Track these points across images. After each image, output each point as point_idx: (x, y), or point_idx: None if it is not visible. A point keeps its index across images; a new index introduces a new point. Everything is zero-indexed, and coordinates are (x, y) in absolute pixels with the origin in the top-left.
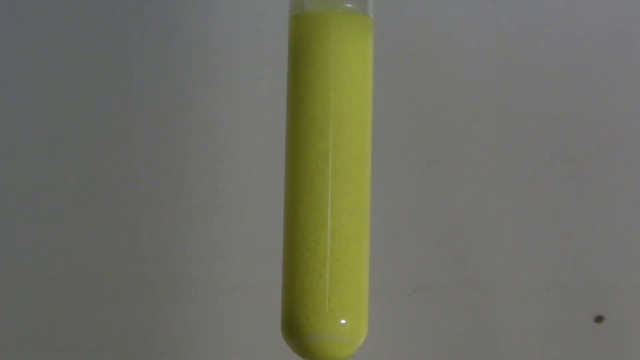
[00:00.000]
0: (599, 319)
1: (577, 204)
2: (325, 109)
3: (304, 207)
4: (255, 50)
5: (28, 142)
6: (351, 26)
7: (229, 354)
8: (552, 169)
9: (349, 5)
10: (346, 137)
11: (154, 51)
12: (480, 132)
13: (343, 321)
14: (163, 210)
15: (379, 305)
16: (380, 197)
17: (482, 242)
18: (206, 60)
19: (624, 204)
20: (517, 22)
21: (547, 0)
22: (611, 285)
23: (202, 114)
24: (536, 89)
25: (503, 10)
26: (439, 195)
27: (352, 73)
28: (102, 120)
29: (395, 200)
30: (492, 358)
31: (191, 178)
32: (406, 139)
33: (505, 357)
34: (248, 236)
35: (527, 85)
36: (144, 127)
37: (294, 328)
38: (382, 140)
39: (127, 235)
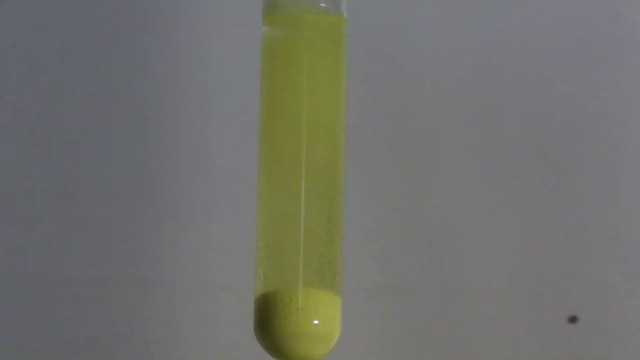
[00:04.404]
0: (573, 320)
1: (550, 204)
2: (298, 110)
3: (277, 208)
4: (232, 49)
5: (28, 142)
6: (324, 25)
7: (224, 354)
8: (525, 170)
9: (323, 5)
10: (320, 138)
11: (153, 51)
12: (454, 134)
13: (316, 321)
14: (155, 211)
15: (353, 305)
16: (354, 198)
17: (456, 243)
18: (198, 60)
19: (597, 204)
20: (493, 22)
21: (523, 1)
22: (585, 286)
23: (191, 114)
24: (511, 90)
25: (478, 9)
26: (413, 196)
27: (326, 73)
28: (97, 120)
29: (368, 201)
30: (466, 359)
31: (182, 179)
32: (379, 140)
33: (479, 357)
34: (242, 237)
35: (503, 86)
36: (139, 128)
37: (267, 328)
38: (355, 141)
39: (119, 237)
